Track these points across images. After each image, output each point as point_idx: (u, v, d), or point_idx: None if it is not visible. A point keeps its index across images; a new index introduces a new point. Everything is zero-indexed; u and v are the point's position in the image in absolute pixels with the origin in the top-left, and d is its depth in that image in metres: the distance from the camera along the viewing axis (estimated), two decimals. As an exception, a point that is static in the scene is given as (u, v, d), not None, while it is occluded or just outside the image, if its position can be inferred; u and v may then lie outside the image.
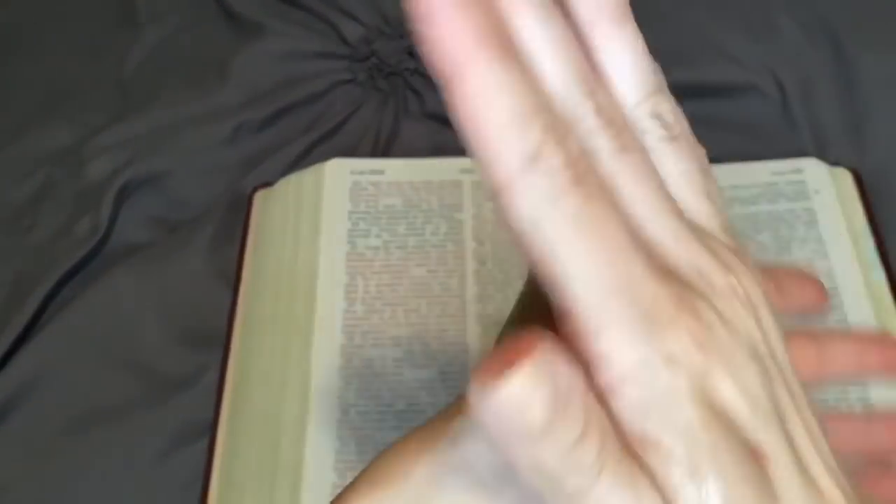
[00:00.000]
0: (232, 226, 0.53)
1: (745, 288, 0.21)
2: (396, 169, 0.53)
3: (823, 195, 0.51)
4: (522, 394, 0.17)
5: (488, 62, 0.18)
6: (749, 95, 0.58)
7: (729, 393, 0.19)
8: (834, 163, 0.53)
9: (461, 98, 0.19)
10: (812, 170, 0.52)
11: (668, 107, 0.23)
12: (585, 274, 0.19)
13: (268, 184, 0.54)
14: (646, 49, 0.23)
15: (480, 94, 0.18)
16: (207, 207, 0.55)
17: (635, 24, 0.22)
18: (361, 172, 0.53)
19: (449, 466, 0.21)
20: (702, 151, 0.24)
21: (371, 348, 0.47)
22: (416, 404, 0.45)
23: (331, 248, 0.50)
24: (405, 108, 0.59)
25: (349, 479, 0.41)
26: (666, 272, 0.20)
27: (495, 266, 0.49)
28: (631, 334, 0.19)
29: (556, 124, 0.19)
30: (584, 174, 0.19)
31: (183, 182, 0.56)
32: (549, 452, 0.18)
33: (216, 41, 0.63)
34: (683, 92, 0.65)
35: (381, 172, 0.53)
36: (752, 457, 0.19)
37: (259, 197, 0.54)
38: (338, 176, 0.52)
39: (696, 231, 0.22)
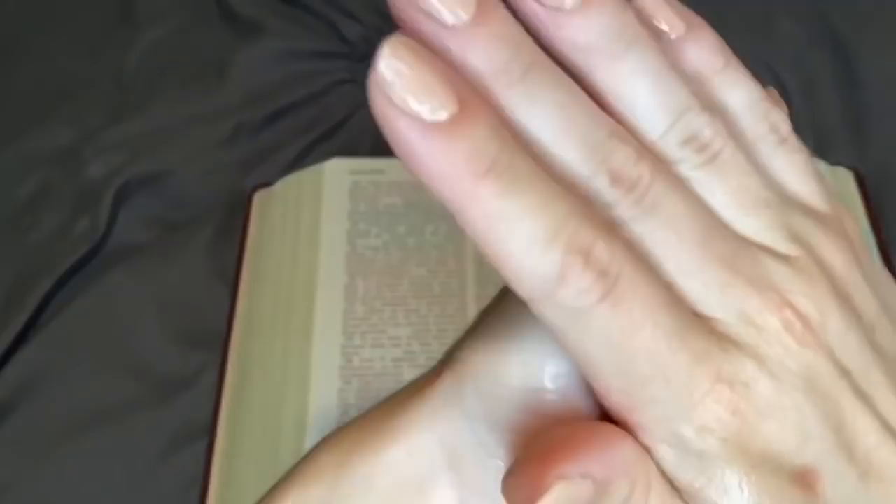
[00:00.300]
0: (231, 226, 0.53)
1: (811, 299, 0.21)
2: (396, 169, 0.53)
3: None
4: (565, 490, 0.18)
5: (490, 195, 0.18)
6: (749, 95, 0.58)
7: (768, 439, 0.20)
8: (835, 163, 0.53)
9: (471, 228, 0.18)
10: (813, 170, 0.52)
11: (700, 122, 0.21)
12: (618, 372, 0.19)
13: (267, 184, 0.54)
14: (666, 64, 0.20)
15: (491, 227, 0.18)
16: (207, 207, 0.55)
17: (640, 41, 0.20)
18: (361, 172, 0.52)
19: (387, 462, 0.22)
20: (763, 127, 0.22)
21: (371, 348, 0.47)
22: (416, 405, 0.45)
23: (331, 248, 0.50)
24: (405, 108, 0.59)
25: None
26: (708, 340, 0.20)
27: (495, 266, 0.49)
28: (663, 413, 0.19)
29: (579, 237, 0.18)
30: (617, 279, 0.19)
31: (182, 182, 0.56)
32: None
33: (215, 41, 0.63)
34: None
35: (381, 172, 0.53)
36: (797, 482, 0.20)
37: (258, 197, 0.54)
38: (337, 176, 0.52)
39: (748, 260, 0.21)
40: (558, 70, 0.19)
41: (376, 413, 0.24)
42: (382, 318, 0.48)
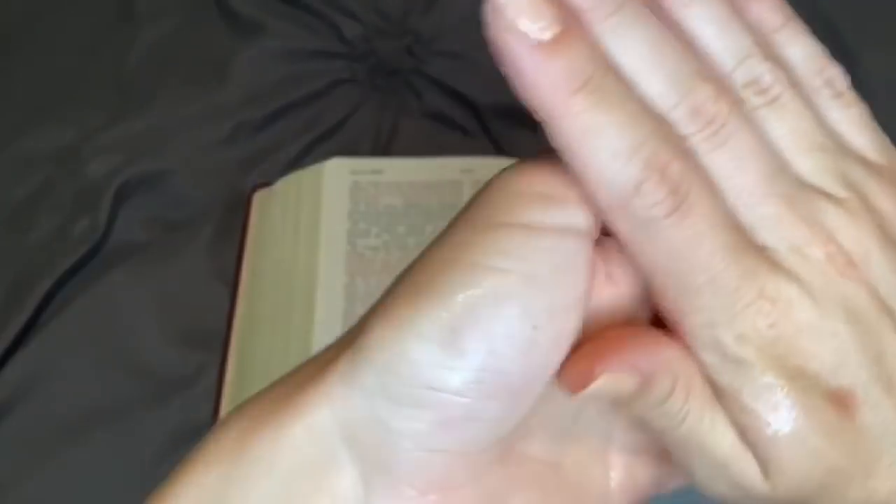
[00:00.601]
0: (231, 226, 0.53)
1: (856, 237, 0.23)
2: (396, 169, 0.53)
3: None
4: (612, 381, 0.21)
5: (581, 109, 0.20)
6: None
7: (806, 356, 0.22)
8: (835, 162, 0.53)
9: (560, 139, 0.21)
10: (813, 169, 0.52)
11: (763, 67, 0.23)
12: (676, 279, 0.21)
13: (267, 183, 0.54)
14: (731, 14, 0.23)
15: (579, 138, 0.20)
16: (206, 207, 0.55)
17: None
18: (361, 172, 0.52)
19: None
20: (820, 80, 0.24)
21: (371, 348, 0.47)
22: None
23: (330, 248, 0.50)
24: (405, 108, 0.59)
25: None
26: (758, 261, 0.22)
27: (495, 266, 0.49)
28: (709, 320, 0.21)
29: (658, 155, 0.21)
30: (686, 196, 0.21)
31: (182, 182, 0.56)
32: (639, 408, 0.22)
33: (215, 40, 0.63)
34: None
35: (381, 172, 0.52)
36: (833, 402, 0.22)
37: (258, 197, 0.54)
38: (337, 176, 0.52)
39: (802, 196, 0.23)
40: (648, 10, 0.22)
41: (277, 390, 0.24)
42: (382, 317, 0.48)
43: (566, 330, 0.22)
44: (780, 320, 0.22)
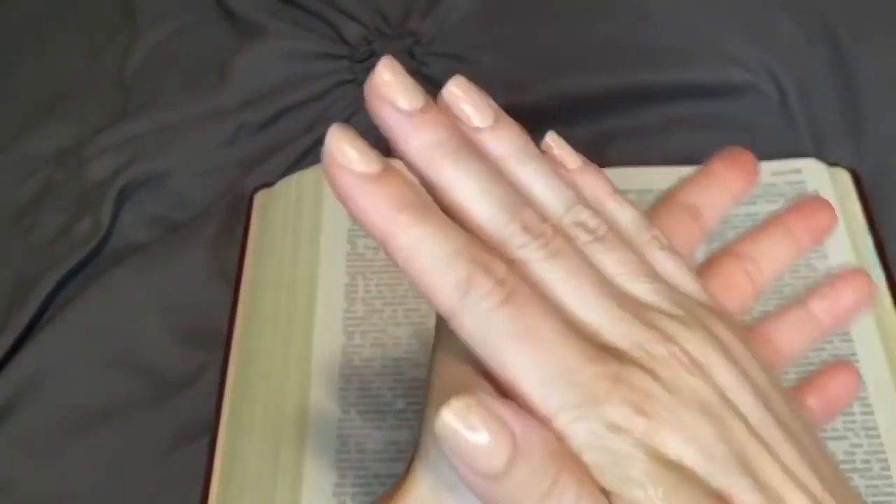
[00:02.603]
0: (232, 226, 0.53)
1: (696, 345, 0.23)
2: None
3: (822, 195, 0.51)
4: (464, 422, 0.21)
5: (407, 224, 0.23)
6: (748, 95, 0.58)
7: (679, 447, 0.22)
8: (833, 163, 0.53)
9: (394, 255, 0.23)
10: (811, 170, 0.52)
11: (587, 214, 0.26)
12: (527, 372, 0.22)
13: (268, 184, 0.54)
14: (555, 173, 0.26)
15: (406, 250, 0.23)
16: (208, 207, 0.55)
17: (540, 157, 0.26)
18: (362, 172, 0.53)
19: None
20: (647, 236, 0.27)
21: (371, 348, 0.47)
22: (416, 404, 0.45)
23: (331, 248, 0.50)
24: (405, 109, 0.59)
25: (349, 480, 0.41)
26: (605, 352, 0.23)
27: (495, 266, 0.49)
28: (576, 413, 0.22)
29: (479, 256, 0.23)
30: (514, 289, 0.22)
31: (183, 182, 0.56)
32: (523, 496, 0.21)
33: (216, 41, 0.63)
34: (683, 92, 0.66)
35: (382, 172, 0.53)
36: (718, 501, 0.22)
37: (259, 197, 0.54)
38: (338, 176, 0.52)
39: (638, 308, 0.24)
40: (482, 154, 0.25)
41: None
42: (383, 317, 0.48)
43: None
44: (644, 405, 0.22)
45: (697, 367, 0.23)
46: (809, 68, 0.59)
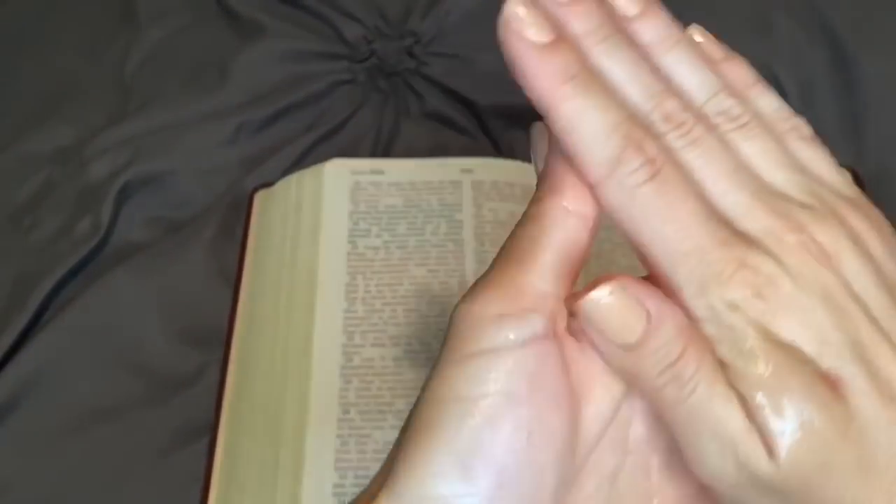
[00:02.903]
0: (232, 226, 0.53)
1: (827, 235, 0.25)
2: (396, 169, 0.53)
3: None
4: (610, 301, 0.24)
5: (570, 96, 0.25)
6: (748, 95, 0.58)
7: (793, 331, 0.23)
8: (833, 163, 0.53)
9: (555, 123, 0.25)
10: (811, 170, 0.52)
11: (730, 102, 0.26)
12: (662, 246, 0.24)
13: (268, 184, 0.54)
14: (701, 58, 0.27)
15: (566, 121, 0.25)
16: (208, 207, 0.55)
17: (686, 45, 0.27)
18: (361, 172, 0.53)
19: None
20: (788, 125, 0.27)
21: (371, 348, 0.47)
22: (417, 404, 0.45)
23: (331, 248, 0.50)
24: (405, 109, 0.59)
25: (349, 479, 0.41)
26: (736, 237, 0.24)
27: (495, 266, 0.49)
28: (699, 290, 0.24)
29: (633, 133, 0.24)
30: (661, 169, 0.24)
31: (184, 182, 0.56)
32: (649, 366, 0.24)
33: (217, 41, 0.63)
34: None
35: (382, 172, 0.53)
36: (825, 382, 0.23)
37: (259, 197, 0.54)
38: (338, 176, 0.52)
39: (773, 197, 0.25)
40: (631, 43, 0.26)
41: None
42: (383, 317, 0.48)
43: (558, 421, 0.24)
44: (764, 290, 0.24)
45: (825, 257, 0.24)
46: (810, 68, 0.59)
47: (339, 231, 0.50)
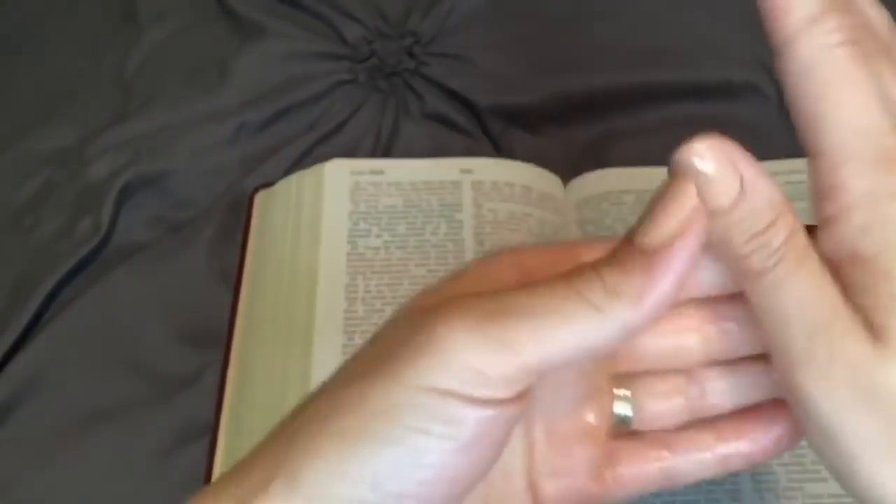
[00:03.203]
0: (233, 226, 0.53)
1: None
2: (396, 169, 0.53)
3: None
4: (703, 159, 0.24)
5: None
6: (749, 95, 0.58)
7: None
8: (833, 163, 0.53)
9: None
10: (811, 170, 0.52)
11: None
12: (839, 115, 0.24)
13: (268, 184, 0.54)
14: None
15: None
16: (208, 207, 0.55)
17: None
18: (361, 173, 0.53)
19: None
20: None
21: (371, 348, 0.47)
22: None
23: (331, 248, 0.50)
24: (405, 109, 0.59)
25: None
26: None
27: (495, 266, 0.49)
28: (865, 170, 0.23)
29: (836, 2, 0.24)
30: (856, 39, 0.24)
31: (184, 182, 0.56)
32: (738, 231, 0.24)
33: (217, 42, 0.63)
34: (683, 92, 0.66)
35: (382, 173, 0.53)
36: None
37: (260, 197, 0.54)
38: (338, 176, 0.52)
39: None
40: None
41: None
42: (383, 317, 0.47)
43: (476, 473, 0.24)
44: None
45: None
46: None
47: (339, 231, 0.50)
